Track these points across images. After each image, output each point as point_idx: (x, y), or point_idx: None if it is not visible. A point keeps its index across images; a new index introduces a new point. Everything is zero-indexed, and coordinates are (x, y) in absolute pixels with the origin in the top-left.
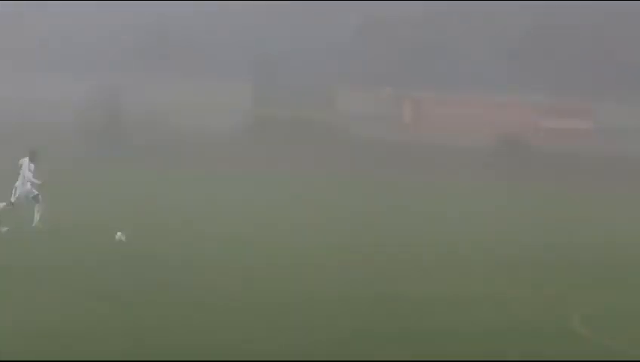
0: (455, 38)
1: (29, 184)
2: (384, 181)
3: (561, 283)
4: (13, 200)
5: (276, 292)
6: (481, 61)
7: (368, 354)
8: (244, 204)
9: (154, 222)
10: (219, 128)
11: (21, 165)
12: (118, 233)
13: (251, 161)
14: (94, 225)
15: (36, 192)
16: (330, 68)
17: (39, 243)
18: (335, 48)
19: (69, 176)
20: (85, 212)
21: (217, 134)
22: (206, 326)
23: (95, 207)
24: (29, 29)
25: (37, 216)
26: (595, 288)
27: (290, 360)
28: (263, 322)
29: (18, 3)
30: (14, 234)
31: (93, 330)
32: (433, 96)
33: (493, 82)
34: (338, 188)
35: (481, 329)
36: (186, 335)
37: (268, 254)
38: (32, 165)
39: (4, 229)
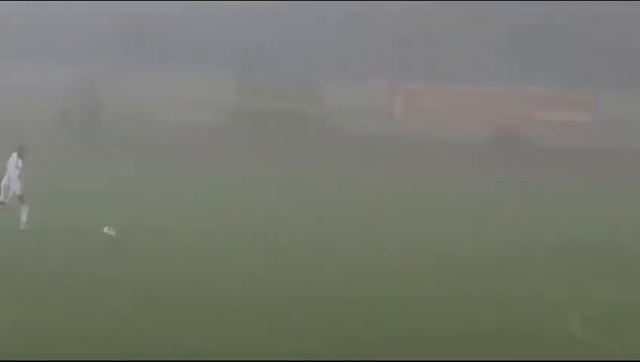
0: (448, 28)
1: (18, 181)
2: (383, 179)
3: (562, 283)
4: (1, 198)
5: (276, 292)
6: (476, 53)
7: (368, 354)
8: (233, 201)
9: (152, 220)
10: (203, 123)
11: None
12: (106, 228)
13: (238, 157)
14: (81, 224)
15: (20, 192)
16: (318, 61)
17: (28, 244)
18: (323, 42)
19: (50, 171)
20: (69, 211)
21: (202, 129)
22: (206, 326)
23: (79, 206)
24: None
25: (23, 218)
26: (595, 288)
27: (290, 360)
28: (263, 322)
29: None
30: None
31: (93, 330)
32: (425, 88)
33: (490, 74)
34: (337, 186)
35: (481, 329)
36: (186, 335)
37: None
38: (20, 161)
39: None
